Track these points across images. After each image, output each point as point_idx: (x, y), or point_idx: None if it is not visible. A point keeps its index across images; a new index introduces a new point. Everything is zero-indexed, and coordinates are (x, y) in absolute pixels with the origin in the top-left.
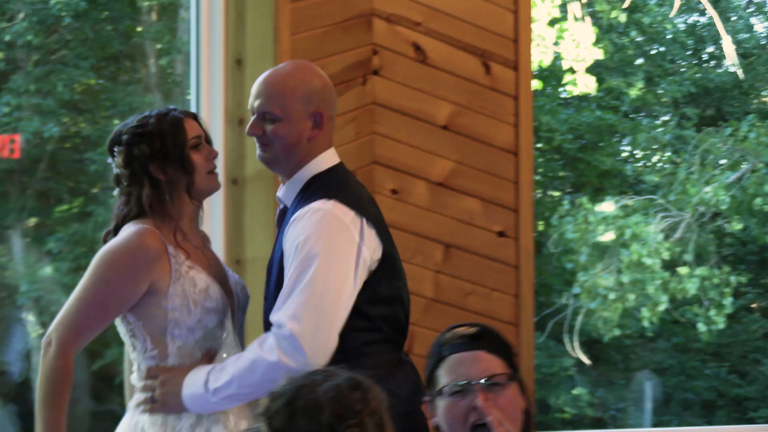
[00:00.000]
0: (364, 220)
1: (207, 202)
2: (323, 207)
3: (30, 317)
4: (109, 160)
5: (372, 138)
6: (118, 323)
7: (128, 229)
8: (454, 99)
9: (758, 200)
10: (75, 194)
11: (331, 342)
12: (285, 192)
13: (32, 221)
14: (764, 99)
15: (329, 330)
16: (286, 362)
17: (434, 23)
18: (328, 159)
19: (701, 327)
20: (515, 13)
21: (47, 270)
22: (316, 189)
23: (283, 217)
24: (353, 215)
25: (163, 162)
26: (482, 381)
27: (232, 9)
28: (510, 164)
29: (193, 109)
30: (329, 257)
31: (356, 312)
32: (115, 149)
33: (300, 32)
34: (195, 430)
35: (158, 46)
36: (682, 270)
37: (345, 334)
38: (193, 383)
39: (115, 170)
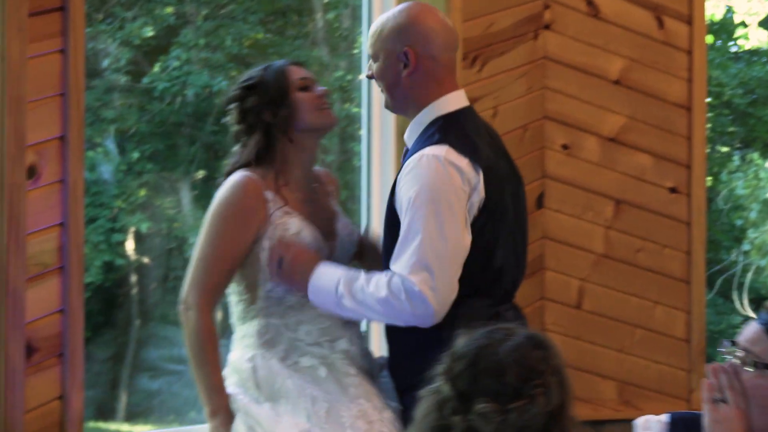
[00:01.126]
0: (479, 168)
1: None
2: (436, 153)
3: None
4: (226, 120)
5: (543, 93)
6: None
7: (229, 180)
8: (626, 53)
9: None
10: None
11: (454, 292)
12: (408, 134)
13: (200, 174)
14: None
15: (451, 281)
16: (416, 315)
17: None
18: (449, 102)
19: None
20: None
21: None
22: (432, 133)
23: (404, 158)
24: (467, 162)
25: (272, 107)
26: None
27: None
28: (683, 119)
29: (363, 64)
30: (443, 206)
31: None
32: (230, 107)
33: None
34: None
35: (325, 0)
36: None
37: None
38: (326, 277)
39: (233, 128)
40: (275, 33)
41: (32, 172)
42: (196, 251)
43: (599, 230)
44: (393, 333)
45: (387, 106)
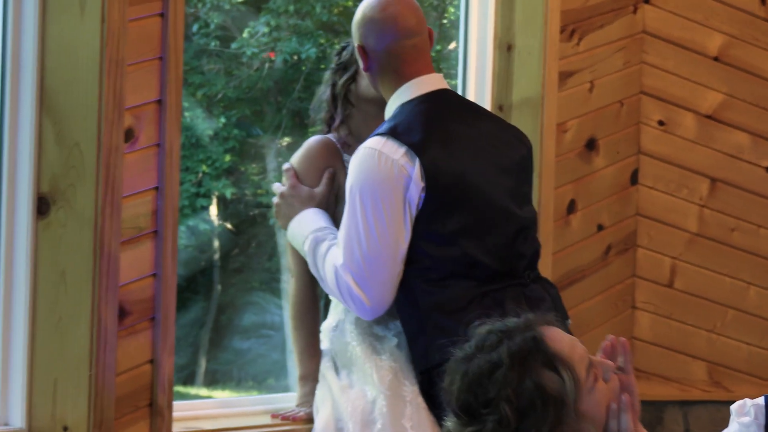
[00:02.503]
0: (416, 157)
1: None
2: (373, 145)
3: (282, 238)
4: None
5: (640, 68)
6: None
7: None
8: (726, 30)
9: None
10: None
11: (388, 286)
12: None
13: (286, 141)
14: None
15: (382, 278)
16: (354, 308)
17: None
18: (408, 90)
19: None
20: None
21: None
22: (383, 124)
23: None
24: (404, 151)
25: (340, 71)
26: None
27: None
28: None
29: (460, 35)
30: (373, 200)
31: (417, 250)
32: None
33: None
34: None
35: None
36: None
37: (405, 278)
38: (303, 225)
39: None
40: None
41: (129, 135)
42: None
43: (693, 208)
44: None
45: None
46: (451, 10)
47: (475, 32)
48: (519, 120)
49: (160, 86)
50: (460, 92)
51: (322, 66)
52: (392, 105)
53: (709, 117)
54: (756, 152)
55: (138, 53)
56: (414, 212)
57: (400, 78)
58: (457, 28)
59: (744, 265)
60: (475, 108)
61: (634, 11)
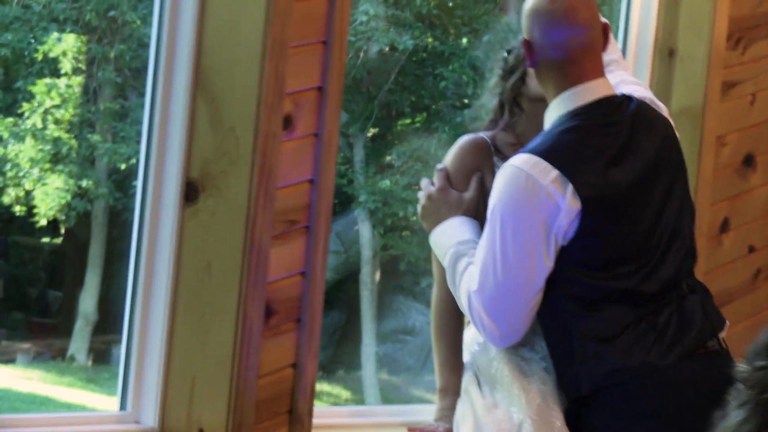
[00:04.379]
0: (569, 183)
1: None
2: (522, 165)
3: (365, 229)
4: None
5: None
6: None
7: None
8: None
9: None
10: (417, 109)
11: (520, 319)
12: None
13: (372, 132)
14: None
15: (515, 307)
16: (484, 333)
17: None
18: (573, 98)
19: None
20: None
21: (386, 183)
22: (539, 136)
23: None
24: (555, 175)
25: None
26: None
27: None
28: None
29: (619, 36)
30: (514, 226)
31: (567, 275)
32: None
33: None
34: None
35: None
36: None
37: (554, 300)
38: (447, 234)
39: None
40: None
41: (287, 123)
42: None
43: None
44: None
45: None
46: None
47: (635, 35)
48: (678, 130)
49: (322, 72)
50: None
51: (414, 59)
52: (552, 113)
53: None
54: None
55: (301, 35)
56: (561, 242)
57: (565, 80)
58: (615, 29)
59: None
60: (637, 115)
61: None
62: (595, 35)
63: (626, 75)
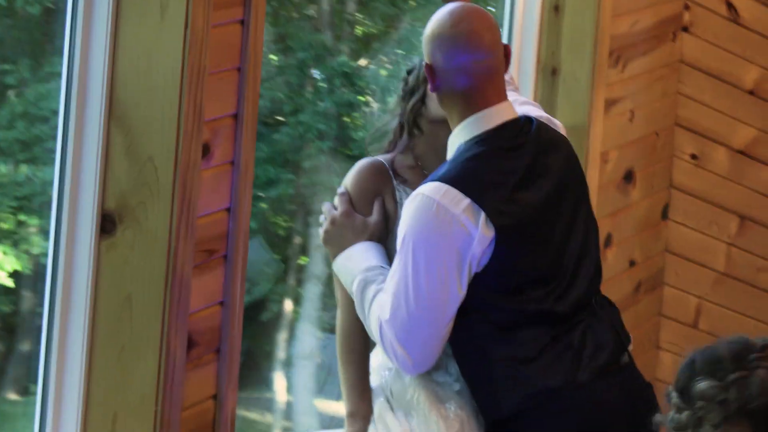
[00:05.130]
0: (482, 211)
1: None
2: (432, 194)
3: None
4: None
5: (676, 98)
6: None
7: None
8: (763, 63)
9: None
10: None
11: (432, 347)
12: None
13: None
14: None
15: (428, 335)
16: (396, 361)
17: None
18: (478, 122)
19: None
20: None
21: None
22: (445, 163)
23: None
24: (467, 203)
25: (409, 94)
26: None
27: None
28: None
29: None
30: (426, 254)
31: (483, 299)
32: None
33: None
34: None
35: None
36: None
37: (469, 325)
38: (354, 260)
39: None
40: (272, 16)
41: (205, 151)
42: None
43: (722, 246)
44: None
45: None
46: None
47: (518, 54)
48: None
49: (238, 99)
50: None
51: None
52: (456, 139)
53: (741, 152)
54: None
55: (217, 62)
56: (475, 269)
57: (469, 106)
58: None
59: None
60: (539, 136)
61: (674, 39)
62: (498, 59)
63: (517, 95)
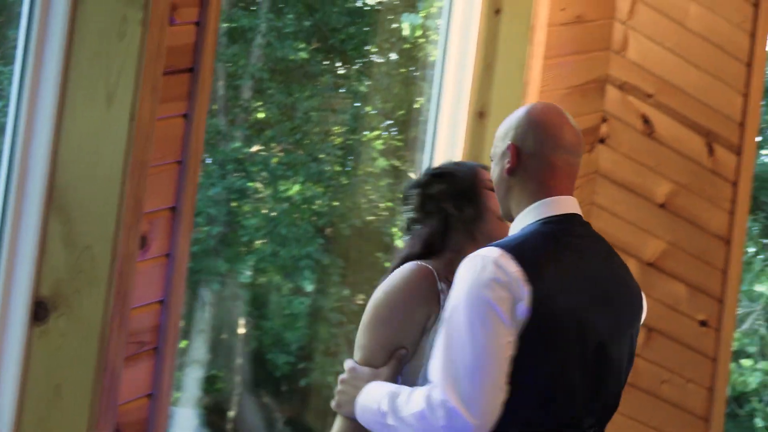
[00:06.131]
0: (531, 285)
1: None
2: (486, 253)
3: None
4: (403, 209)
5: (590, 209)
6: None
7: (403, 268)
8: (675, 178)
9: None
10: None
11: (494, 399)
12: None
13: None
14: None
15: (486, 390)
16: (454, 429)
17: (665, 96)
18: (545, 208)
19: (759, 422)
20: (745, 96)
21: None
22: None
23: None
24: (518, 270)
25: (458, 199)
26: None
27: (480, 61)
28: (721, 251)
29: (425, 157)
30: (479, 310)
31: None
32: (411, 192)
33: (546, 90)
34: None
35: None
36: (746, 362)
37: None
38: (371, 395)
39: (408, 215)
40: None
41: (143, 242)
42: (359, 340)
43: None
44: None
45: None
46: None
47: (440, 159)
48: None
49: (176, 193)
50: None
51: None
52: (524, 220)
53: (650, 264)
54: (692, 304)
55: (159, 155)
56: (520, 329)
57: (541, 191)
58: (421, 150)
59: (671, 419)
60: (598, 242)
61: (591, 150)
62: (580, 162)
63: None
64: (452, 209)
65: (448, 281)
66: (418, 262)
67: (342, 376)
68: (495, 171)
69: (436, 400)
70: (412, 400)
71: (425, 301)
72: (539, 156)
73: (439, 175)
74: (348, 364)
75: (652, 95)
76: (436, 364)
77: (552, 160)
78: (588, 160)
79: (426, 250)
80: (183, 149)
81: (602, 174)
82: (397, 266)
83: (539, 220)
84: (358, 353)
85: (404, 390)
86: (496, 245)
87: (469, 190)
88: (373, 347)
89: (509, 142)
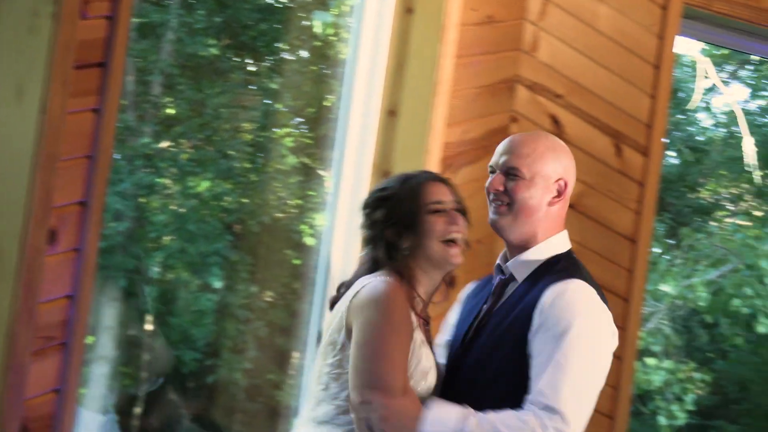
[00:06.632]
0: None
1: (340, 253)
2: (585, 289)
3: None
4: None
5: None
6: (328, 353)
7: (377, 279)
8: (583, 178)
9: (736, 301)
10: None
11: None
12: (516, 265)
13: None
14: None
15: (586, 419)
16: None
17: (574, 97)
18: (565, 240)
19: (662, 420)
20: (653, 97)
21: None
22: (562, 268)
23: (504, 287)
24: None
25: (397, 227)
26: None
27: (391, 59)
28: (626, 251)
29: (336, 155)
30: (598, 345)
31: None
32: (362, 211)
33: (457, 90)
34: None
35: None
36: (650, 361)
37: None
38: (440, 419)
39: (361, 232)
40: None
41: (52, 237)
42: (360, 353)
43: None
44: None
45: (499, 225)
46: (167, 107)
47: (350, 156)
48: None
49: (86, 187)
50: (329, 216)
51: None
52: (554, 247)
53: None
54: None
55: (69, 149)
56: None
57: (562, 223)
58: (330, 148)
59: None
60: None
61: None
62: None
63: None
64: (392, 237)
65: (413, 309)
66: (388, 280)
67: (381, 408)
68: (532, 194)
69: (548, 417)
70: (504, 414)
71: (409, 321)
72: (569, 194)
73: (382, 199)
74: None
75: (562, 96)
76: (554, 387)
77: (570, 193)
78: None
79: (374, 269)
80: (93, 144)
81: None
82: (350, 282)
83: (562, 254)
84: (379, 383)
85: (472, 413)
86: (581, 278)
87: (410, 215)
88: (394, 356)
89: (561, 178)
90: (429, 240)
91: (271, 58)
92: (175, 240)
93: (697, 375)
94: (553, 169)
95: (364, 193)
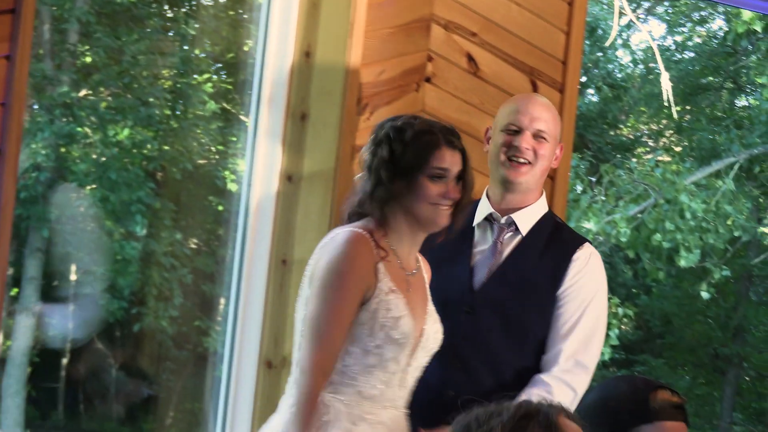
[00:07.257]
0: None
1: (259, 197)
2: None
3: None
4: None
5: None
6: (299, 319)
7: (343, 237)
8: None
9: (658, 236)
10: None
11: None
12: (521, 218)
13: None
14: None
15: None
16: None
17: (489, 35)
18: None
19: None
20: (567, 34)
21: None
22: (572, 231)
23: (500, 234)
24: None
25: (394, 171)
26: None
27: (305, 1)
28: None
29: (254, 99)
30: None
31: None
32: (372, 135)
33: (371, 30)
34: None
35: (55, 13)
36: None
37: None
38: None
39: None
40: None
41: None
42: (312, 310)
43: None
44: None
45: (520, 184)
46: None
47: (267, 98)
48: (310, 192)
49: (11, 41)
50: (248, 161)
51: None
52: (543, 204)
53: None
54: None
55: None
56: None
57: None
58: (250, 92)
59: None
60: None
61: (417, 89)
62: None
63: None
64: (385, 176)
65: (379, 247)
66: (356, 231)
67: None
68: (550, 156)
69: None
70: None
71: (367, 272)
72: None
73: (392, 138)
74: None
75: (476, 34)
76: (588, 348)
77: None
78: (414, 99)
79: (359, 210)
80: (6, 91)
81: (429, 113)
82: (350, 216)
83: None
84: (310, 326)
85: None
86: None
87: (409, 170)
88: (327, 316)
89: (560, 143)
90: (419, 201)
91: (188, 3)
92: (96, 189)
93: (620, 310)
94: (559, 136)
95: (280, 137)
